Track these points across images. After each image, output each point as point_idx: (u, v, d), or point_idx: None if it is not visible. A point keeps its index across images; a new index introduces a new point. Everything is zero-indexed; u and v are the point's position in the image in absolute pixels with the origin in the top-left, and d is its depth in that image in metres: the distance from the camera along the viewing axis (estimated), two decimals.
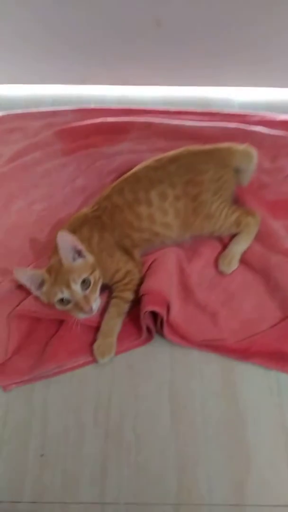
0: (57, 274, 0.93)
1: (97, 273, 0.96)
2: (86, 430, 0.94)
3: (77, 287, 0.92)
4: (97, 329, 1.03)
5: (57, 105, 1.50)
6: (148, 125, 1.33)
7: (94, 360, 1.00)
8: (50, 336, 1.04)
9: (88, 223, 1.04)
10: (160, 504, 0.86)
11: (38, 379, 1.00)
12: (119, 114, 1.39)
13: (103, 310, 1.05)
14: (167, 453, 0.90)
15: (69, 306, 0.93)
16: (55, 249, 1.04)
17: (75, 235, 0.98)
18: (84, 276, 0.93)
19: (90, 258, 0.97)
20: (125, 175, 1.09)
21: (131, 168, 1.12)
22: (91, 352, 1.00)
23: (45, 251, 1.17)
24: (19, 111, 1.47)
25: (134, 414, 0.95)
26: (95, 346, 0.99)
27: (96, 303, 0.95)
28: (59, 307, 0.94)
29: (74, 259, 0.94)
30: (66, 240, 0.92)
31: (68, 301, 0.93)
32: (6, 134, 1.40)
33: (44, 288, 0.95)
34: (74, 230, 1.01)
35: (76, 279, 0.91)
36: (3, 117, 1.45)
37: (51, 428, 0.95)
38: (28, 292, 1.05)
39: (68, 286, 0.91)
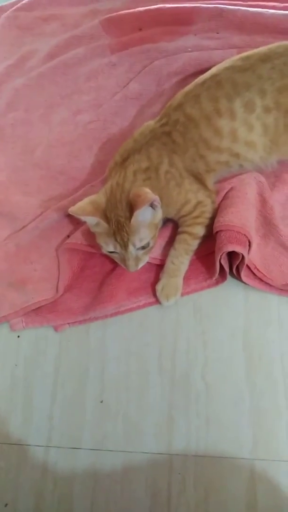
0: (119, 228, 0.79)
1: (156, 234, 0.84)
2: (150, 377, 0.86)
3: (133, 249, 0.81)
4: (159, 266, 0.90)
5: None
6: (219, 13, 1.07)
7: (157, 302, 0.89)
8: (107, 273, 0.92)
9: (157, 142, 0.86)
10: (233, 458, 0.79)
11: (93, 319, 0.90)
12: None
13: (167, 245, 0.91)
14: (241, 406, 0.82)
15: (115, 255, 0.84)
16: (110, 172, 0.89)
17: (140, 154, 0.83)
18: (145, 241, 0.81)
19: (159, 213, 0.83)
20: (201, 78, 0.87)
21: (198, 70, 0.92)
22: (153, 292, 0.89)
23: (95, 173, 1.01)
24: None
25: (203, 362, 0.86)
26: (159, 286, 0.87)
27: (143, 263, 0.85)
28: (103, 251, 0.84)
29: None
30: (146, 212, 0.79)
31: (117, 253, 0.83)
32: (40, 23, 1.17)
33: (98, 229, 0.82)
34: (140, 149, 0.85)
35: (136, 243, 0.80)
36: (35, 0, 1.18)
37: (110, 373, 0.87)
38: (79, 222, 0.91)
39: (125, 247, 0.80)
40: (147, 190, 0.77)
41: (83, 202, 0.81)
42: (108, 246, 0.81)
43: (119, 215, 0.79)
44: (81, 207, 0.79)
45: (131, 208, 0.77)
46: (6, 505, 0.79)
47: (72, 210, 0.79)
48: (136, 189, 0.79)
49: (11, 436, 0.83)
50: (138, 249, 0.81)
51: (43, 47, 1.13)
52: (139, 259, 0.83)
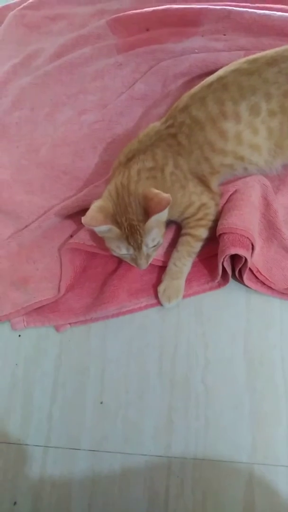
0: (132, 232, 0.78)
1: (164, 231, 0.84)
2: (150, 379, 0.85)
3: (146, 249, 0.81)
4: (161, 268, 0.90)
5: None
6: (226, 15, 1.06)
7: (158, 303, 0.89)
8: (109, 274, 0.91)
9: (162, 143, 0.86)
10: (231, 461, 0.79)
11: (94, 320, 0.90)
12: (188, 0, 1.12)
13: (169, 247, 0.91)
14: (241, 409, 0.81)
15: (126, 256, 0.84)
16: (114, 171, 0.88)
17: (145, 155, 0.83)
18: (157, 240, 0.82)
19: (166, 211, 0.81)
20: (207, 80, 0.87)
21: (205, 72, 0.91)
22: (155, 293, 0.88)
23: (99, 173, 1.00)
24: None
25: (203, 364, 0.85)
26: (161, 288, 0.87)
27: (152, 259, 0.86)
28: (114, 253, 0.83)
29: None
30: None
31: (128, 254, 0.83)
32: (48, 22, 1.16)
33: (109, 234, 0.80)
34: (145, 149, 0.84)
35: (149, 243, 0.81)
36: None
37: (110, 374, 0.86)
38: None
39: (139, 248, 0.80)
40: (157, 191, 0.76)
41: (92, 211, 0.78)
42: (121, 250, 0.81)
43: (131, 219, 0.78)
44: (93, 217, 0.77)
45: (145, 211, 0.77)
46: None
47: (85, 222, 0.77)
48: (145, 191, 0.78)
49: (10, 435, 0.83)
50: (149, 248, 0.82)
51: (50, 46, 1.12)
52: (149, 256, 0.83)
